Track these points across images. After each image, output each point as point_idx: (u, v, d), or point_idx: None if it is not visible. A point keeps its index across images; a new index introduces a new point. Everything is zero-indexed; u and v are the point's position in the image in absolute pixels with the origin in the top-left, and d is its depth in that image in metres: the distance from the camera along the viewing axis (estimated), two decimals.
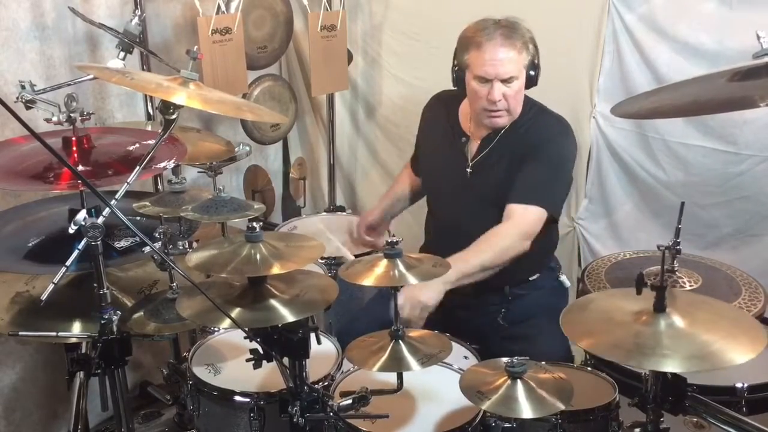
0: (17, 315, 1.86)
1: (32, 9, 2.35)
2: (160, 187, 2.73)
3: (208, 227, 2.28)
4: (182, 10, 2.87)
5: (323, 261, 2.37)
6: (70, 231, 1.50)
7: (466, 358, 1.94)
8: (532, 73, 2.13)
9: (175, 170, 2.47)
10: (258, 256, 1.47)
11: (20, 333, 1.72)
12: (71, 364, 1.69)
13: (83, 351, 1.76)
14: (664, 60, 2.52)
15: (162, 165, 1.77)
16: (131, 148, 1.86)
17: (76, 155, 1.74)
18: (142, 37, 2.48)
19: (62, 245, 1.63)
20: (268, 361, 1.51)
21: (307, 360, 1.51)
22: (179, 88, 1.61)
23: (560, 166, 2.18)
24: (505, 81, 2.08)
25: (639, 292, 1.42)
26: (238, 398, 1.73)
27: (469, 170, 2.25)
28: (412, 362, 1.52)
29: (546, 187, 2.14)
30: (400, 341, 1.55)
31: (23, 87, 1.88)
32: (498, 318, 2.25)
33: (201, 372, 1.83)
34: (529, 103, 2.20)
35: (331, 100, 3.34)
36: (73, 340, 1.78)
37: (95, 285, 1.58)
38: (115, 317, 1.63)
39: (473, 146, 2.26)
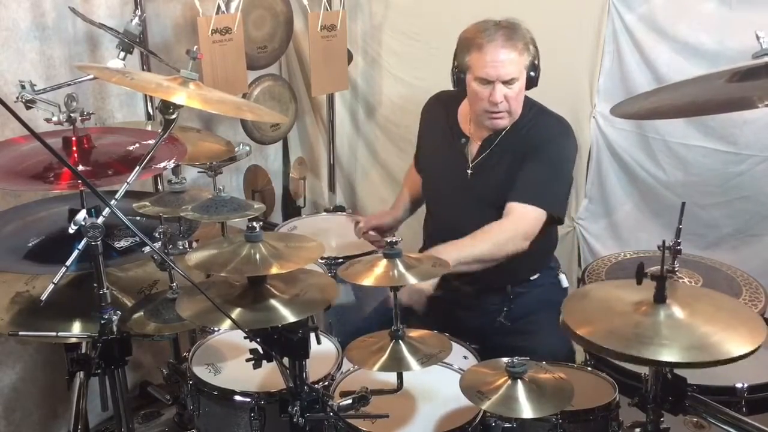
0: (17, 315, 1.86)
1: (32, 9, 2.35)
2: (160, 187, 2.73)
3: (208, 227, 2.28)
4: (182, 10, 2.87)
5: (323, 261, 2.38)
6: (70, 231, 1.50)
7: (466, 358, 1.94)
8: (532, 74, 2.13)
9: (175, 170, 2.47)
10: (258, 256, 1.47)
11: (20, 333, 1.72)
12: (71, 364, 1.69)
13: (83, 351, 1.76)
14: (664, 60, 2.52)
15: (162, 165, 1.77)
16: (131, 148, 1.86)
17: (76, 155, 1.74)
18: (142, 37, 2.48)
19: (62, 245, 1.63)
20: (268, 361, 1.51)
21: (307, 360, 1.51)
22: (179, 88, 1.61)
23: (560, 167, 2.18)
24: (507, 82, 2.07)
25: (639, 282, 1.42)
26: (238, 398, 1.74)
27: (469, 171, 2.25)
28: (412, 362, 1.52)
29: (546, 187, 2.14)
30: (400, 341, 1.55)
31: (23, 87, 1.89)
32: (499, 318, 2.25)
33: (201, 372, 1.83)
34: (529, 103, 2.20)
35: (331, 100, 3.34)
36: (73, 340, 1.78)
37: (95, 285, 1.58)
38: (115, 317, 1.63)
39: (473, 147, 2.26)
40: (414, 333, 1.60)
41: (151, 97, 2.63)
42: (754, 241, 2.58)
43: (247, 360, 1.52)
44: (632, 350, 1.31)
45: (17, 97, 1.87)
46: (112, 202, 1.48)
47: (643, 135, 2.65)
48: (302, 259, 1.52)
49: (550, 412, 1.47)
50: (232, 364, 1.88)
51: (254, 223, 1.50)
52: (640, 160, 2.69)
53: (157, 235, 1.84)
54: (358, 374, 1.80)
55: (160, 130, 1.67)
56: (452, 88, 2.25)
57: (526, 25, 2.12)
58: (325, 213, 3.21)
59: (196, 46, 1.76)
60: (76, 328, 1.80)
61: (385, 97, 3.32)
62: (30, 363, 2.50)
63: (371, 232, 2.51)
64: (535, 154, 2.13)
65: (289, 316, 1.42)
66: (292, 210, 3.63)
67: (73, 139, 1.75)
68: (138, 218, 1.91)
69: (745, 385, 1.70)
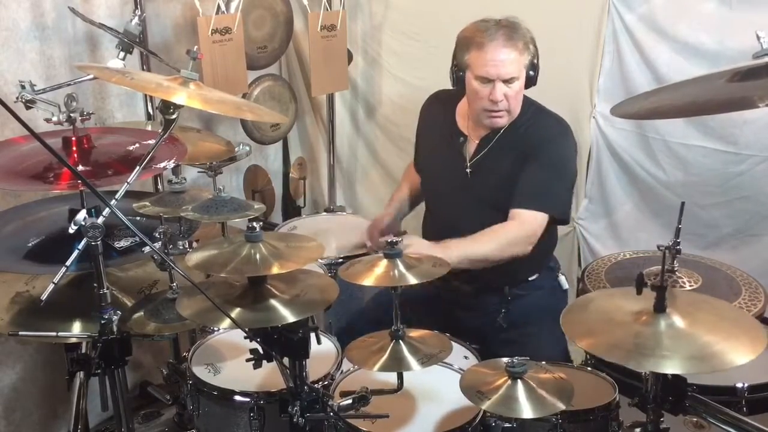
0: (17, 315, 1.86)
1: (32, 9, 2.35)
2: (160, 187, 2.73)
3: (208, 227, 2.28)
4: (182, 10, 2.87)
5: (323, 261, 2.38)
6: (70, 231, 1.50)
7: (466, 358, 1.94)
8: (531, 73, 2.13)
9: (175, 170, 2.47)
10: (258, 256, 1.47)
11: (20, 333, 1.72)
12: (71, 364, 1.69)
13: (83, 351, 1.76)
14: (664, 60, 2.52)
15: (162, 165, 1.77)
16: (131, 148, 1.86)
17: (76, 155, 1.74)
18: (142, 37, 2.48)
19: (62, 245, 1.63)
20: (268, 361, 1.51)
21: (307, 360, 1.51)
22: (179, 88, 1.61)
23: (561, 168, 2.18)
24: (507, 81, 2.08)
25: (639, 292, 1.42)
26: (238, 398, 1.73)
27: (468, 170, 2.25)
28: (412, 362, 1.52)
29: (548, 190, 2.14)
30: (400, 341, 1.55)
31: (23, 87, 1.88)
32: (498, 318, 2.25)
33: (201, 372, 1.83)
34: (527, 102, 2.20)
35: (331, 100, 3.34)
36: (73, 340, 1.78)
37: (95, 285, 1.58)
38: (115, 317, 1.63)
39: (471, 146, 2.26)
40: (414, 333, 1.60)
41: (151, 97, 2.63)
42: (754, 241, 2.58)
43: (247, 360, 1.52)
44: (633, 362, 1.32)
45: (17, 97, 1.87)
46: (112, 202, 1.48)
47: (643, 135, 2.65)
48: (302, 259, 1.52)
49: (550, 412, 1.47)
50: (232, 364, 1.88)
51: (254, 223, 1.50)
52: (640, 160, 2.69)
53: (157, 235, 1.84)
54: (358, 374, 1.80)
55: (160, 130, 1.67)
56: (450, 88, 2.25)
57: (526, 24, 2.12)
58: (325, 213, 3.21)
59: (196, 46, 1.76)
60: (76, 328, 1.80)
61: (385, 96, 3.32)
62: (30, 363, 2.50)
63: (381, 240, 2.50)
64: (535, 156, 2.13)
65: (289, 316, 1.42)
66: (292, 210, 3.63)
67: (73, 139, 1.75)
68: (138, 218, 1.91)
69: (745, 385, 1.70)
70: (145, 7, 2.54)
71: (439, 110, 2.38)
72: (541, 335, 2.14)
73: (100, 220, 1.50)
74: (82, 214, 1.50)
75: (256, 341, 1.48)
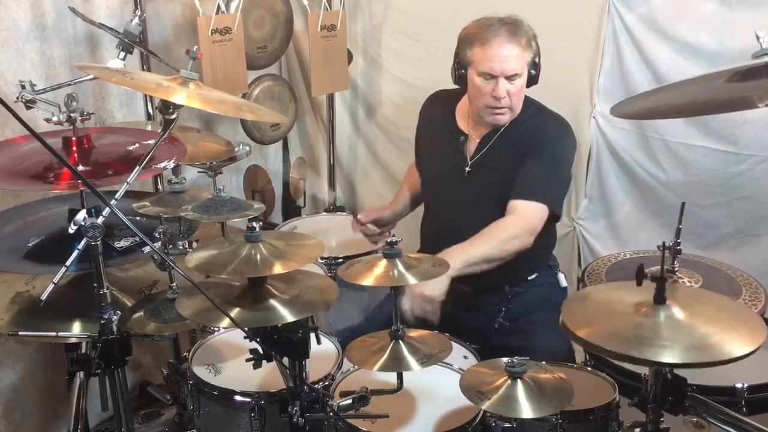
0: (17, 315, 1.86)
1: (32, 9, 2.35)
2: (160, 187, 2.73)
3: (208, 227, 2.28)
4: (182, 10, 2.87)
5: (323, 261, 2.38)
6: (70, 231, 1.50)
7: (466, 358, 1.94)
8: (533, 71, 2.13)
9: (175, 170, 2.47)
10: (258, 256, 1.47)
11: (20, 333, 1.72)
12: (71, 364, 1.69)
13: (83, 351, 1.76)
14: (664, 60, 2.52)
15: (162, 165, 1.77)
16: (131, 148, 1.86)
17: (76, 155, 1.74)
18: (142, 37, 2.48)
19: (62, 245, 1.63)
20: (268, 361, 1.51)
21: (307, 360, 1.51)
22: (179, 87, 1.61)
23: (560, 165, 2.19)
24: (509, 78, 2.08)
25: (639, 284, 1.42)
26: (238, 398, 1.74)
27: (468, 169, 2.25)
28: (412, 362, 1.52)
29: (547, 183, 2.14)
30: (400, 341, 1.55)
31: (23, 87, 1.89)
32: (498, 318, 2.25)
33: (201, 372, 1.83)
34: (527, 102, 2.20)
35: (331, 100, 3.34)
36: (73, 340, 1.78)
37: (95, 285, 1.58)
38: (115, 317, 1.63)
39: (472, 145, 2.26)
40: (414, 333, 1.60)
41: (151, 97, 2.63)
42: (754, 241, 2.58)
43: (247, 360, 1.52)
44: (633, 351, 1.31)
45: (17, 97, 1.87)
46: (112, 202, 1.48)
47: (643, 135, 2.65)
48: (302, 258, 1.52)
49: (550, 412, 1.47)
50: (232, 364, 1.88)
51: (254, 223, 1.50)
52: (640, 160, 2.69)
53: (157, 235, 1.84)
54: (358, 374, 1.80)
55: (160, 130, 1.67)
56: (450, 87, 2.25)
57: (528, 22, 2.12)
58: (325, 213, 3.21)
59: (196, 46, 1.76)
60: (76, 328, 1.80)
61: (385, 97, 3.32)
62: (30, 363, 2.50)
63: (370, 225, 2.48)
64: (535, 152, 2.14)
65: (288, 316, 1.42)
66: (292, 210, 3.63)
67: (73, 139, 1.75)
68: (138, 218, 1.91)
69: (745, 385, 1.70)
70: (145, 7, 2.54)
71: (438, 110, 2.38)
72: (541, 334, 2.14)
73: (100, 220, 1.50)
74: (82, 214, 1.50)
75: (256, 341, 1.48)
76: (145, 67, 2.60)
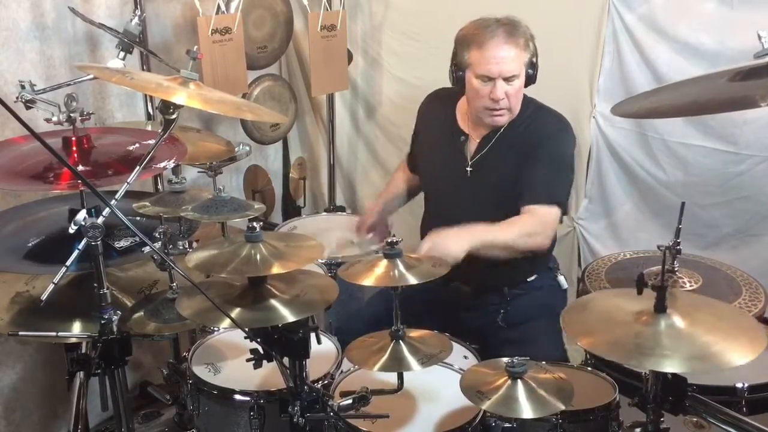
0: (17, 315, 1.86)
1: (32, 9, 2.35)
2: (160, 187, 2.73)
3: (208, 227, 2.28)
4: (182, 10, 2.87)
5: (323, 261, 2.37)
6: (70, 231, 1.50)
7: (466, 358, 1.94)
8: (530, 71, 2.13)
9: (175, 170, 2.47)
10: (258, 256, 1.47)
11: (20, 333, 1.72)
12: (71, 364, 1.69)
13: (83, 351, 1.76)
14: (664, 60, 2.52)
15: (162, 165, 1.77)
16: (131, 148, 1.86)
17: (76, 155, 1.74)
18: (142, 37, 2.48)
19: (62, 245, 1.63)
20: (268, 361, 1.51)
21: (307, 360, 1.51)
22: (179, 88, 1.61)
23: (563, 163, 2.20)
24: (508, 79, 2.07)
25: (640, 293, 1.42)
26: (238, 397, 1.74)
27: (468, 169, 2.25)
28: (413, 362, 1.52)
29: (555, 185, 2.15)
30: (401, 341, 1.55)
31: (23, 87, 1.88)
32: (497, 318, 2.25)
33: (201, 371, 1.83)
34: (526, 100, 2.20)
35: (331, 100, 3.34)
36: (73, 340, 1.78)
37: (95, 285, 1.58)
38: (115, 317, 1.63)
39: (472, 145, 2.26)
40: (414, 333, 1.60)
41: (151, 97, 2.63)
42: (754, 241, 2.58)
43: (248, 360, 1.52)
44: (633, 361, 1.32)
45: (17, 97, 1.87)
46: (112, 202, 1.48)
47: (643, 135, 2.65)
48: (302, 258, 1.52)
49: (550, 412, 1.47)
50: (232, 363, 1.88)
51: (254, 224, 1.50)
52: (640, 160, 2.69)
53: (157, 235, 1.84)
54: (358, 374, 1.80)
55: (160, 130, 1.67)
56: (449, 86, 2.25)
57: (525, 22, 2.12)
58: (325, 213, 3.21)
59: (196, 46, 1.76)
60: (76, 328, 1.80)
61: (385, 97, 3.32)
62: (30, 363, 2.50)
63: (370, 234, 2.51)
64: (536, 152, 2.13)
65: (289, 316, 1.42)
66: (292, 210, 3.63)
67: (73, 139, 1.75)
68: (138, 218, 1.91)
69: (745, 385, 1.70)
70: (145, 7, 2.54)
71: (438, 109, 2.38)
72: (540, 335, 2.14)
73: (100, 220, 1.50)
74: (82, 214, 1.50)
75: (256, 341, 1.48)
76: (145, 67, 2.60)
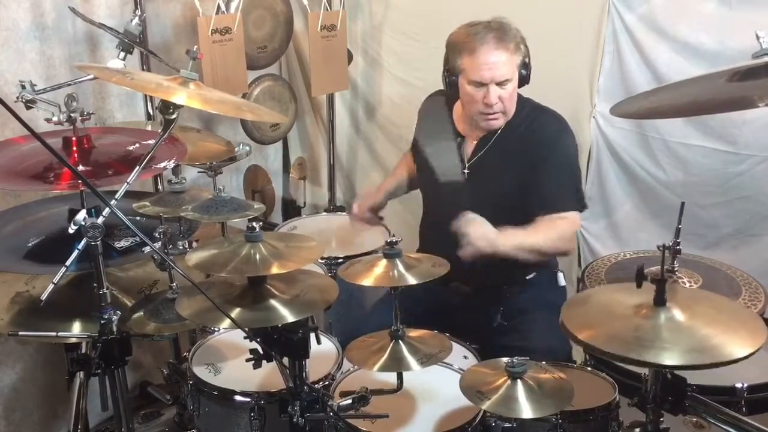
0: (17, 315, 1.86)
1: (32, 9, 2.35)
2: (160, 187, 2.73)
3: (208, 227, 2.28)
4: (182, 10, 2.87)
5: (323, 261, 2.37)
6: (70, 231, 1.50)
7: (466, 358, 1.94)
8: (524, 72, 2.12)
9: (175, 170, 2.47)
10: (258, 256, 1.47)
11: (20, 333, 1.72)
12: (71, 364, 1.69)
13: (83, 351, 1.76)
14: (664, 60, 2.52)
15: (162, 165, 1.77)
16: (131, 148, 1.86)
17: (76, 155, 1.74)
18: (142, 37, 2.48)
19: (62, 245, 1.63)
20: (268, 361, 1.51)
21: (307, 360, 1.51)
22: (179, 88, 1.61)
23: (572, 166, 2.20)
24: (500, 83, 2.07)
25: (639, 285, 1.42)
26: (238, 398, 1.74)
27: (465, 171, 2.24)
28: (412, 362, 1.52)
29: (570, 190, 2.17)
30: (400, 341, 1.55)
31: (23, 87, 1.89)
32: (497, 317, 2.25)
33: (201, 372, 1.83)
34: (521, 101, 2.19)
35: (331, 100, 3.34)
36: (73, 340, 1.78)
37: (95, 285, 1.58)
38: (115, 317, 1.63)
39: (469, 147, 2.26)
40: (414, 333, 1.60)
41: (151, 97, 2.63)
42: (754, 241, 2.58)
43: (247, 360, 1.52)
44: (633, 354, 1.31)
45: (17, 97, 1.87)
46: (112, 202, 1.48)
47: (643, 135, 2.65)
48: (302, 259, 1.52)
49: (550, 412, 1.47)
50: (232, 364, 1.88)
51: (254, 224, 1.51)
52: (639, 160, 2.69)
53: (157, 235, 1.84)
54: (358, 374, 1.80)
55: (160, 130, 1.67)
56: None
57: (519, 24, 2.11)
58: (325, 213, 3.21)
59: (196, 46, 1.76)
60: (76, 328, 1.80)
61: (385, 97, 3.32)
62: (30, 363, 2.50)
63: (368, 214, 2.47)
64: (544, 158, 2.12)
65: (289, 316, 1.42)
66: (292, 210, 3.64)
67: (73, 139, 1.75)
68: (138, 218, 1.91)
69: (745, 385, 1.70)
70: (145, 7, 2.54)
71: (436, 111, 2.37)
72: (540, 333, 2.14)
73: (100, 220, 1.50)
74: (82, 214, 1.50)
75: (256, 341, 1.48)
76: (145, 67, 2.60)
